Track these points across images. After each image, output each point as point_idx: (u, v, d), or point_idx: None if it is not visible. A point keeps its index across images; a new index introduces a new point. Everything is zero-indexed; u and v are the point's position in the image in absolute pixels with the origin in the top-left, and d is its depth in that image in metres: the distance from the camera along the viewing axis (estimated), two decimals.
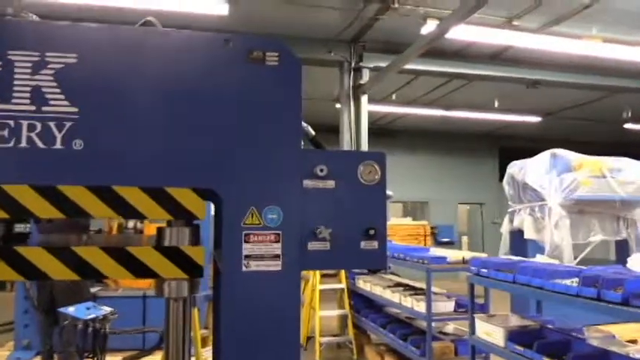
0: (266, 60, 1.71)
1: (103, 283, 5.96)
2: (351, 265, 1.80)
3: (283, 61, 1.72)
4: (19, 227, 1.86)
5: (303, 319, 7.49)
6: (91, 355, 3.69)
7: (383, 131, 15.12)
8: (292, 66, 1.74)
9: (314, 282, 7.32)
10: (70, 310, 3.81)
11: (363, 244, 1.78)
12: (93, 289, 5.80)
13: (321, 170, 1.75)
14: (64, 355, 5.27)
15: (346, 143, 8.56)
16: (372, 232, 1.77)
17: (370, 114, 9.32)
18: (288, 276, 1.67)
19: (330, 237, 1.73)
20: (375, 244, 1.79)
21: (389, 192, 1.89)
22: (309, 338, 7.38)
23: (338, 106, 9.18)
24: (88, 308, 3.87)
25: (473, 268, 4.70)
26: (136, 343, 5.56)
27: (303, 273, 7.80)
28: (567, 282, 3.58)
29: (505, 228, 7.95)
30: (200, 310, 4.81)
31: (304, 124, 2.00)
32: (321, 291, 7.24)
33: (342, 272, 7.25)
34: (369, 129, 8.87)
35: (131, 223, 6.24)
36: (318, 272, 7.07)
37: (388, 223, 10.72)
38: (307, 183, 1.75)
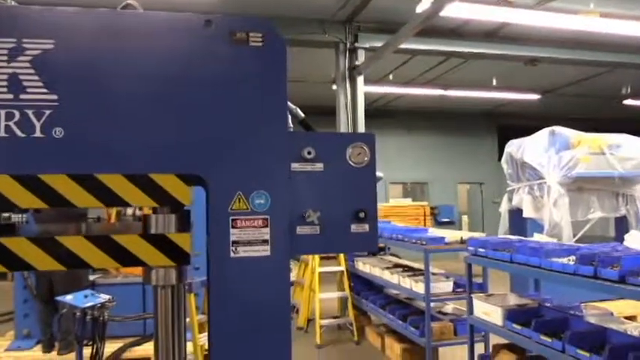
0: (250, 41, 1.67)
1: (101, 271, 5.97)
2: (342, 248, 1.79)
3: (268, 41, 1.68)
4: (16, 217, 1.85)
5: (303, 302, 7.53)
6: (90, 343, 3.71)
7: (380, 112, 15.04)
8: (277, 46, 1.70)
9: (313, 265, 7.34)
10: (68, 298, 3.82)
11: (353, 227, 1.76)
12: (91, 277, 5.81)
13: (309, 153, 1.72)
14: (63, 343, 5.31)
15: (343, 125, 8.52)
16: (362, 214, 1.75)
17: (367, 95, 9.26)
18: (277, 261, 1.66)
19: (319, 221, 1.71)
20: (365, 226, 1.77)
21: (379, 173, 1.86)
22: (310, 320, 7.43)
23: (334, 87, 9.11)
24: (85, 296, 3.88)
25: (470, 248, 4.70)
26: (136, 329, 5.60)
27: (303, 256, 7.83)
28: (564, 260, 3.57)
29: (504, 207, 7.94)
30: (197, 296, 4.81)
31: (293, 106, 1.97)
32: (320, 273, 7.27)
33: (341, 255, 7.27)
34: (366, 110, 8.81)
35: (130, 210, 6.22)
36: (317, 255, 7.09)
37: (388, 204, 10.76)
38: (295, 166, 1.73)
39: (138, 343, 5.53)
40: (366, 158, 1.79)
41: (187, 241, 1.61)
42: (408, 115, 15.90)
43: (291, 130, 1.89)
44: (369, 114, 8.98)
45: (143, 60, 1.58)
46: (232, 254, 1.62)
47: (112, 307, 3.81)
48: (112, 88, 1.56)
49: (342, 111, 8.63)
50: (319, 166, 1.75)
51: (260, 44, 1.67)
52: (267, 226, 1.65)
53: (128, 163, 1.55)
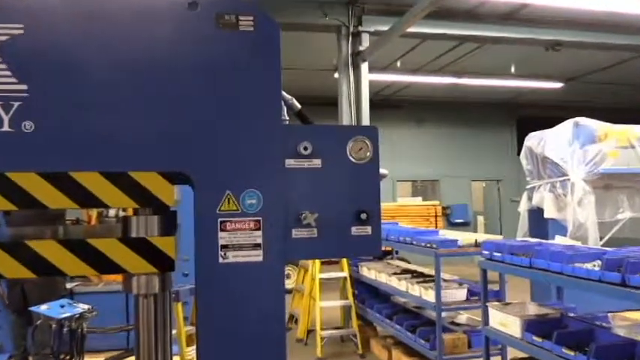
0: (239, 25, 1.67)
1: (80, 278, 5.98)
2: (342, 253, 1.78)
3: (259, 25, 1.68)
4: None
5: (302, 311, 7.54)
6: (67, 357, 3.72)
7: (387, 102, 15.03)
8: (270, 31, 1.69)
9: (313, 270, 7.35)
10: (43, 308, 3.82)
11: (354, 230, 1.76)
12: (69, 285, 5.82)
13: (305, 148, 1.72)
14: (38, 357, 5.32)
15: (345, 117, 8.51)
16: (363, 215, 1.75)
17: (372, 84, 9.24)
18: (270, 267, 1.66)
19: (316, 223, 1.71)
20: (367, 229, 1.77)
21: (383, 170, 1.86)
22: (310, 332, 7.44)
23: (336, 76, 9.10)
24: (62, 306, 3.89)
25: (485, 252, 4.69)
26: (119, 342, 5.61)
27: (302, 261, 7.84)
28: (589, 266, 3.57)
29: (523, 207, 7.93)
30: (186, 305, 4.82)
31: (288, 97, 1.97)
32: (321, 280, 7.27)
33: (344, 259, 7.27)
34: (371, 100, 8.80)
35: (112, 212, 6.23)
36: (317, 260, 7.09)
37: (395, 204, 10.77)
38: (290, 162, 1.72)
39: (120, 358, 5.53)
40: (368, 153, 1.79)
41: (172, 245, 1.61)
42: (417, 105, 15.88)
43: (286, 122, 1.88)
44: (374, 105, 8.97)
45: (121, 46, 1.58)
46: (221, 260, 1.62)
47: (91, 318, 3.82)
48: (88, 78, 1.56)
49: (345, 101, 8.62)
50: (317, 163, 1.75)
51: (251, 28, 1.67)
52: (259, 228, 1.65)
53: (105, 159, 1.55)
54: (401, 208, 13.04)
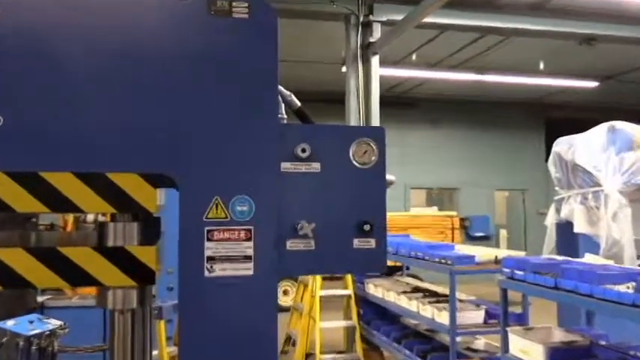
0: (233, 12, 1.68)
1: (52, 290, 5.99)
2: (342, 268, 1.79)
3: (255, 12, 1.69)
4: None
5: (301, 332, 7.52)
6: None
7: (400, 100, 15.06)
8: (266, 18, 1.71)
9: (314, 287, 7.34)
10: (10, 324, 3.83)
11: (356, 243, 1.77)
12: (40, 298, 5.83)
13: (304, 150, 1.73)
14: None
15: (353, 116, 8.52)
16: (367, 227, 1.75)
17: (383, 79, 9.26)
18: (262, 282, 1.66)
19: (314, 233, 1.71)
20: (371, 242, 1.78)
21: (389, 177, 1.87)
22: (309, 355, 7.42)
23: (343, 70, 9.11)
24: (31, 322, 3.89)
25: (506, 269, 4.69)
26: None
27: (301, 276, 7.83)
28: (622, 288, 3.56)
29: (550, 220, 7.91)
30: (169, 324, 4.82)
31: (287, 93, 1.99)
32: (322, 298, 7.27)
33: (349, 275, 7.27)
34: (383, 97, 8.81)
35: (91, 217, 6.25)
36: (318, 275, 7.08)
37: (408, 214, 10.77)
38: (286, 166, 1.74)
39: None
40: (373, 157, 1.80)
41: (152, 255, 1.62)
42: (433, 104, 15.90)
43: (284, 121, 1.89)
44: (385, 102, 8.97)
45: (102, 33, 1.59)
46: (207, 273, 1.63)
47: (63, 336, 3.82)
48: (63, 68, 1.57)
49: (353, 98, 8.63)
50: (316, 167, 1.76)
51: (245, 15, 1.68)
52: (250, 239, 1.66)
53: (80, 159, 1.56)
54: (413, 218, 13.02)
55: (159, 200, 1.69)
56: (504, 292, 4.73)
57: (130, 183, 1.59)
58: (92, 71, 1.59)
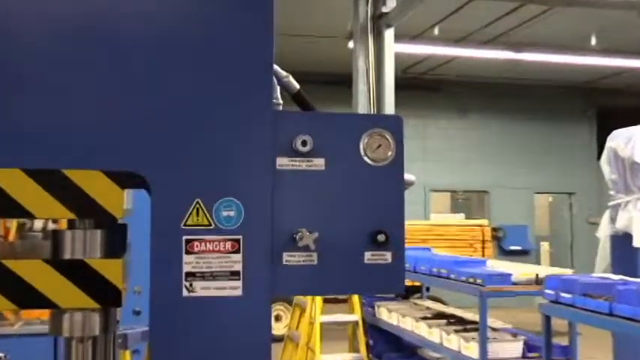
0: None
1: None
2: (350, 288, 1.80)
3: None
4: None
5: None
6: None
7: (419, 83, 15.08)
8: None
9: (312, 311, 7.34)
10: None
11: (368, 257, 1.77)
12: None
13: (304, 143, 1.73)
14: None
15: (361, 101, 8.53)
16: (382, 237, 1.75)
17: (399, 57, 9.28)
18: (253, 305, 1.66)
19: (316, 245, 1.71)
20: (386, 255, 1.78)
21: (409, 176, 1.87)
22: None
23: (350, 45, 9.13)
24: None
25: (549, 291, 4.69)
26: None
27: (298, 298, 7.83)
28: None
29: (604, 231, 7.92)
30: (136, 355, 4.82)
31: (284, 73, 1.99)
32: (323, 325, 7.27)
33: (355, 297, 7.27)
34: (398, 79, 8.83)
35: (39, 224, 6.25)
36: (318, 297, 7.09)
37: (428, 222, 10.84)
38: (283, 162, 1.74)
39: None
40: (389, 153, 1.80)
41: (118, 270, 1.62)
42: (460, 88, 15.93)
43: (280, 108, 1.90)
44: (401, 86, 9.00)
45: (54, 11, 1.60)
46: (186, 292, 1.63)
47: None
48: (13, 48, 1.58)
49: (361, 80, 8.65)
50: (319, 164, 1.76)
51: None
52: (238, 251, 1.66)
53: (30, 153, 1.57)
54: (435, 228, 13.05)
55: (126, 203, 1.69)
56: (547, 319, 4.73)
57: (93, 182, 1.59)
58: (44, 48, 1.59)
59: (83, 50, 1.61)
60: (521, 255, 14.85)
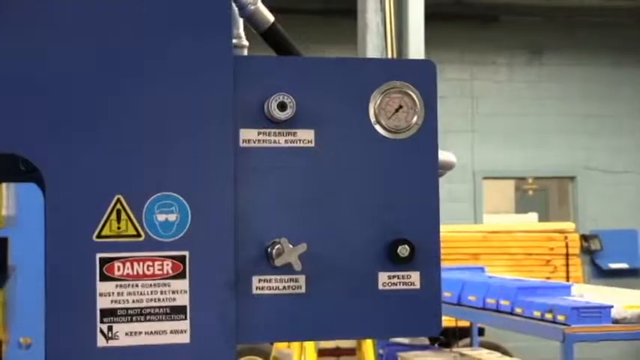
0: None
1: None
2: (356, 329, 1.80)
3: None
4: None
5: None
6: None
7: (464, 10, 15.06)
8: None
9: None
10: None
11: (384, 280, 1.79)
12: None
13: (282, 106, 1.74)
14: None
15: (371, 40, 8.53)
16: (404, 250, 1.77)
17: None
18: (204, 355, 1.68)
19: (303, 263, 1.72)
20: (412, 278, 1.80)
21: (446, 156, 1.88)
22: None
23: None
24: None
25: None
26: None
27: (275, 348, 7.87)
28: None
29: None
30: None
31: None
32: None
33: (367, 344, 7.32)
34: (430, 6, 8.85)
35: None
36: (310, 344, 7.13)
37: (482, 226, 11.01)
38: (250, 137, 1.76)
39: None
40: (414, 119, 1.82)
41: None
42: (529, 19, 15.91)
43: (244, 51, 1.92)
44: (436, 16, 9.01)
45: None
46: (102, 341, 1.64)
47: None
48: None
49: (372, 4, 8.64)
50: (305, 138, 1.78)
51: None
52: (183, 275, 1.68)
53: None
54: (491, 236, 13.05)
55: (4, 206, 1.70)
56: None
57: None
58: None
59: None
60: (629, 276, 14.88)
